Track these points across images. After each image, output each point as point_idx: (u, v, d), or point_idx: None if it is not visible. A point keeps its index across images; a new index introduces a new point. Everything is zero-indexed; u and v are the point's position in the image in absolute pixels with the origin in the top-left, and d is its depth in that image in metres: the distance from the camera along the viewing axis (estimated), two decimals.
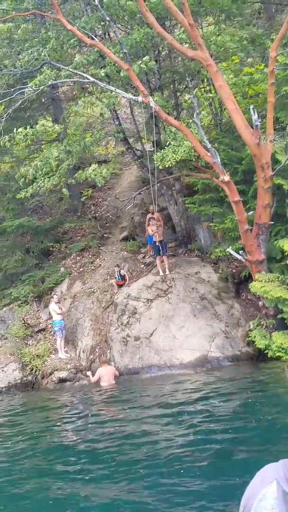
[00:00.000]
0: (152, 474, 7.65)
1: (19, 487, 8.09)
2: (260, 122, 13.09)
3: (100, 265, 19.55)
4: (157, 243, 16.57)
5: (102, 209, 23.19)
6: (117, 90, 13.18)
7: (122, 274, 17.61)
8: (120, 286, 17.39)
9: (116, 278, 17.62)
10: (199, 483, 7.15)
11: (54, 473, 8.52)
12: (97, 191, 24.27)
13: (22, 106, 20.00)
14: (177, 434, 9.45)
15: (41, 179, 16.73)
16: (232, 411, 10.38)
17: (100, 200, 23.92)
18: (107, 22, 13.58)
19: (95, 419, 11.66)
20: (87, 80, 13.02)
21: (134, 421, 10.84)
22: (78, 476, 8.11)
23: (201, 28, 17.85)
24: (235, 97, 16.22)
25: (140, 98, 12.99)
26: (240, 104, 16.11)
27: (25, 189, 16.55)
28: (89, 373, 15.33)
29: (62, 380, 16.06)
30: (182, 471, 7.58)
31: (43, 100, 22.78)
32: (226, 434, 8.99)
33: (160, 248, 16.50)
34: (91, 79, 12.92)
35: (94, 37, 13.91)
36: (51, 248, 21.36)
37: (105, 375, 14.64)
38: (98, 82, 13.14)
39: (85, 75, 13.17)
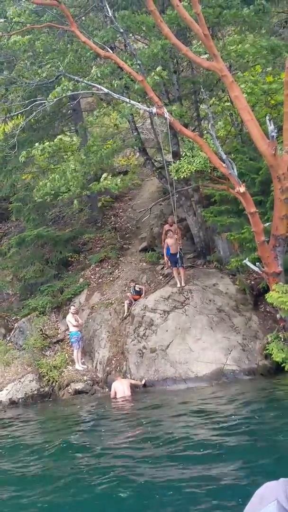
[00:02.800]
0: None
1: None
2: (276, 132, 12.94)
3: (119, 276, 19.49)
4: (176, 255, 16.46)
5: (122, 219, 23.19)
6: (131, 102, 13.18)
7: (138, 289, 17.50)
8: (136, 300, 17.27)
9: (131, 293, 17.53)
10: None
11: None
12: (118, 201, 24.32)
13: (43, 118, 20.31)
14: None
15: (60, 192, 16.85)
16: (246, 427, 10.17)
17: (120, 211, 23.93)
18: (121, 34, 13.58)
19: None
20: (101, 92, 13.01)
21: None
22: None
23: (221, 39, 17.81)
24: (254, 106, 16.18)
25: (154, 110, 12.95)
26: (259, 114, 16.01)
27: (43, 195, 16.64)
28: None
29: (78, 392, 16.01)
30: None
31: (64, 111, 22.96)
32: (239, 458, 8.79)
33: (178, 259, 16.39)
34: (106, 90, 12.93)
35: (109, 49, 13.93)
36: (70, 259, 21.40)
37: (119, 388, 14.54)
38: (112, 93, 13.16)
39: (99, 86, 13.20)
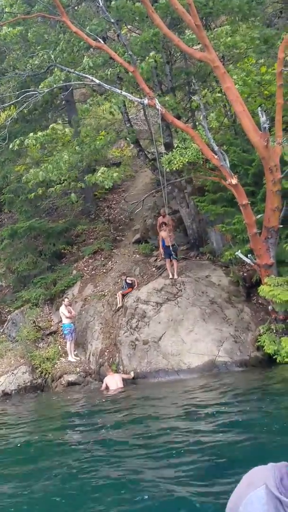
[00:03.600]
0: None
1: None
2: (268, 124, 12.89)
3: (112, 268, 19.46)
4: (169, 247, 16.44)
5: (116, 211, 23.13)
6: (123, 93, 13.10)
7: (129, 281, 17.45)
8: (124, 295, 17.22)
9: (123, 287, 17.44)
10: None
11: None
12: (112, 193, 24.22)
13: (35, 109, 20.17)
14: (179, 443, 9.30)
15: (54, 182, 16.75)
16: (238, 418, 10.18)
17: (114, 202, 23.86)
18: (113, 25, 13.48)
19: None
20: (92, 83, 12.93)
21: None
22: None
23: (213, 29, 17.68)
24: (247, 97, 16.10)
25: (146, 101, 12.87)
26: (253, 106, 15.93)
27: (36, 190, 16.56)
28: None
29: (71, 384, 16.04)
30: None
31: (57, 102, 22.81)
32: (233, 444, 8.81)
33: (171, 251, 16.37)
34: (97, 81, 12.84)
35: (100, 40, 13.82)
36: (63, 251, 21.35)
37: (111, 382, 14.65)
38: (104, 84, 13.07)
39: (90, 77, 13.11)
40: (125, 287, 17.32)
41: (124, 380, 14.78)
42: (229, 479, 7.13)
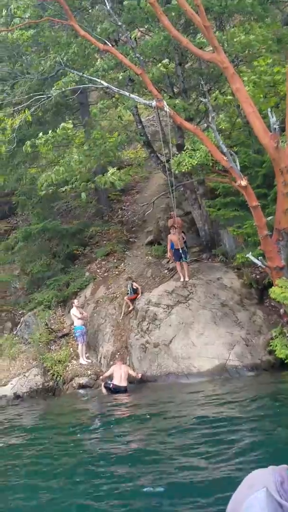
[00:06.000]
0: None
1: None
2: (279, 125, 12.72)
3: (124, 269, 19.41)
4: (179, 250, 16.32)
5: (129, 213, 23.08)
6: (131, 95, 13.05)
7: (135, 287, 17.31)
8: (132, 300, 17.13)
9: (128, 293, 17.31)
10: None
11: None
12: (125, 195, 24.19)
13: (48, 111, 20.21)
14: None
15: (66, 183, 16.75)
16: (248, 424, 10.06)
17: (128, 204, 23.82)
18: (120, 28, 13.44)
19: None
20: (101, 85, 12.90)
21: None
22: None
23: (227, 30, 17.53)
24: (260, 98, 15.90)
25: (154, 103, 12.80)
26: (267, 106, 15.70)
27: (45, 188, 16.54)
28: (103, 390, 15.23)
29: (82, 386, 16.04)
30: None
31: (71, 104, 22.80)
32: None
33: (182, 254, 16.26)
34: (105, 84, 12.80)
35: (108, 43, 13.78)
36: (76, 252, 21.33)
37: (117, 372, 14.70)
38: (112, 87, 13.03)
39: (99, 80, 13.07)
40: (131, 292, 17.19)
41: (130, 377, 14.78)
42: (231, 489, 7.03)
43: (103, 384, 15.09)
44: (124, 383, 14.54)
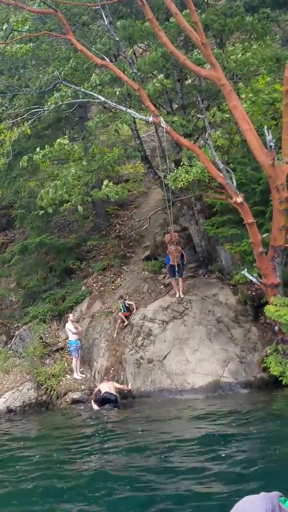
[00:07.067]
0: None
1: None
2: (274, 143, 12.77)
3: (120, 284, 19.37)
4: (174, 266, 16.29)
5: (126, 228, 23.07)
6: (128, 110, 13.09)
7: (127, 305, 17.22)
8: (127, 317, 17.03)
9: (122, 310, 17.22)
10: None
11: None
12: (123, 209, 24.21)
13: (48, 125, 20.32)
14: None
15: (64, 200, 16.77)
16: (241, 441, 9.96)
17: (125, 219, 23.81)
18: (118, 43, 13.53)
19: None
20: (98, 100, 12.95)
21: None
22: None
23: (226, 47, 17.65)
24: (260, 115, 15.95)
25: (150, 119, 12.85)
26: (265, 123, 15.75)
27: (47, 205, 16.58)
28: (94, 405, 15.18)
29: (75, 401, 15.90)
30: None
31: (70, 119, 22.88)
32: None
33: (176, 270, 16.23)
34: (102, 99, 12.86)
35: (105, 58, 13.86)
36: (73, 266, 21.29)
37: (105, 386, 14.87)
38: (109, 102, 13.08)
39: (95, 95, 13.14)
40: (124, 309, 17.12)
41: (118, 390, 14.78)
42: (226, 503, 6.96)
43: (92, 400, 15.07)
44: (114, 392, 14.52)
